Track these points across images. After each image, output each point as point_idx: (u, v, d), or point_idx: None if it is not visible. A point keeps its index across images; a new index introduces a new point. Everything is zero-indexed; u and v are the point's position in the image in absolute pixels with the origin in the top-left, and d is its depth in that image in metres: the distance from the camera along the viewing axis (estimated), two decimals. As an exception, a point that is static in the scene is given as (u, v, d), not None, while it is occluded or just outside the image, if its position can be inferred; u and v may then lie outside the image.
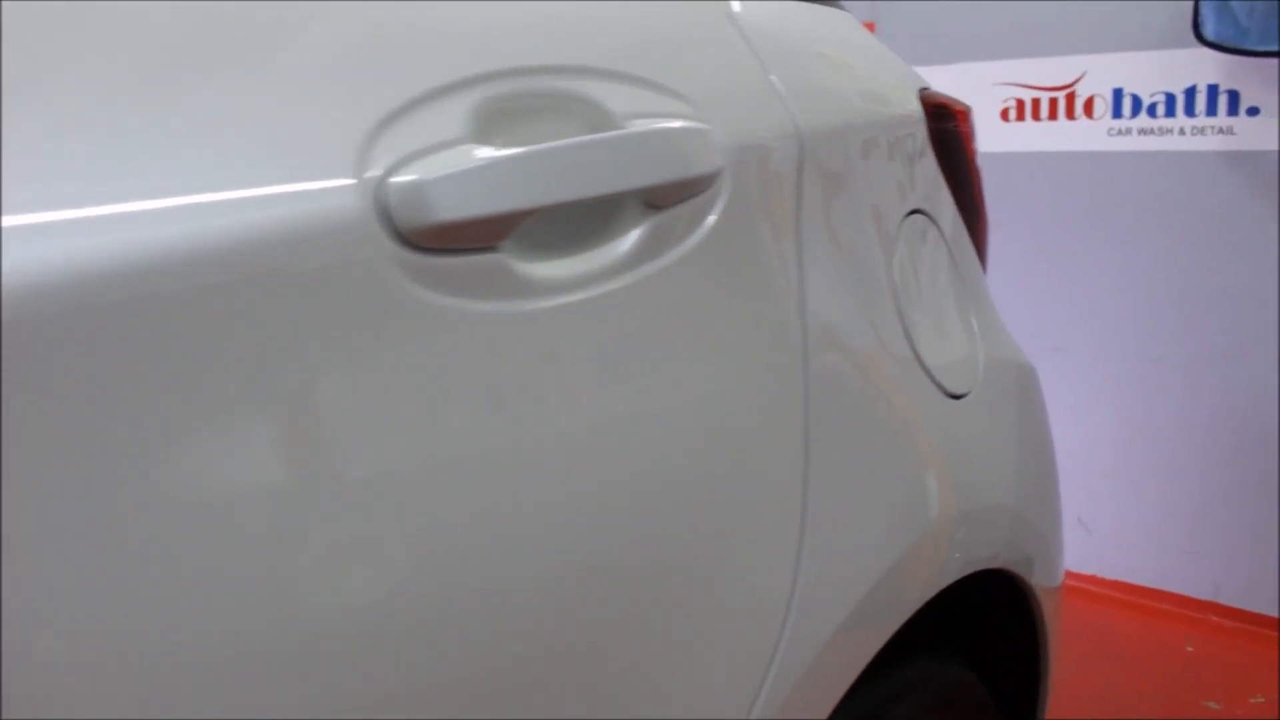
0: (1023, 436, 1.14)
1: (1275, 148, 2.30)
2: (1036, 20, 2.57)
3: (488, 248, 0.58)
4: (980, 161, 1.17)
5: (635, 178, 0.65)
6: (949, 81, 2.44)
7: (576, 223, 0.65)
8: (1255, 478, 2.50)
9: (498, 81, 0.61)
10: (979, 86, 2.65)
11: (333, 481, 0.52)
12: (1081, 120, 2.54)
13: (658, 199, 0.67)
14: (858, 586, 0.90)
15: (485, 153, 0.57)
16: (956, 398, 1.00)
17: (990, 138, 2.63)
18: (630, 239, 0.66)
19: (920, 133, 1.00)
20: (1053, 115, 2.59)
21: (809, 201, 0.83)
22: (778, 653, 0.81)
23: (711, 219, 0.72)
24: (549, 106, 0.64)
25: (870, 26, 2.77)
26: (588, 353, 0.63)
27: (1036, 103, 2.61)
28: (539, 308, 0.60)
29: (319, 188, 0.52)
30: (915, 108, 1.00)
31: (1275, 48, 2.15)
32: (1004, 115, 2.65)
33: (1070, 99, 2.55)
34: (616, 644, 0.68)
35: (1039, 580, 1.17)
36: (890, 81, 1.01)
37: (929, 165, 1.00)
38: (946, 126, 1.03)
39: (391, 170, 0.54)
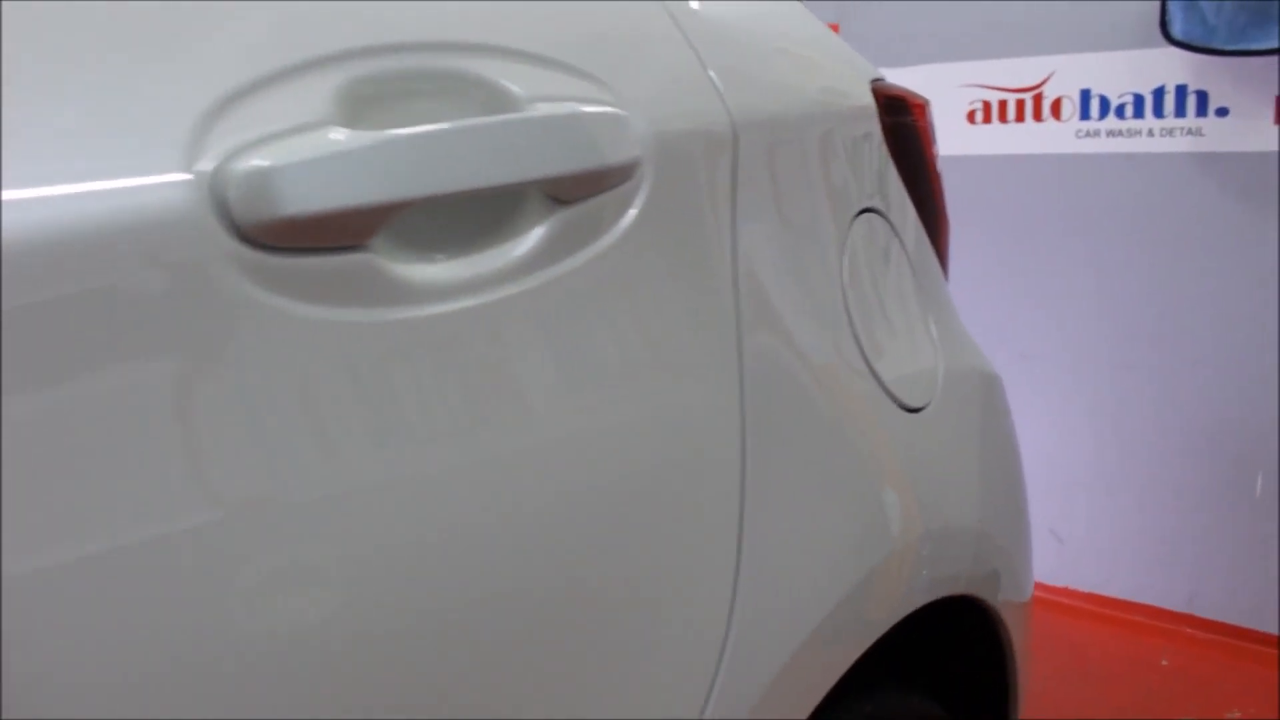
0: (987, 450, 1.07)
1: (1245, 149, 2.26)
2: (1003, 21, 2.52)
3: (352, 246, 0.50)
4: (946, 164, 1.11)
5: (535, 167, 0.57)
6: (915, 83, 2.38)
7: (467, 220, 0.58)
8: (1231, 486, 2.46)
9: (372, 58, 0.54)
10: (945, 88, 2.60)
11: (162, 508, 0.44)
12: (1049, 122, 2.49)
13: (564, 192, 0.60)
14: (807, 615, 0.84)
15: (347, 137, 0.50)
16: (914, 410, 0.93)
17: (957, 140, 2.58)
18: (532, 238, 0.59)
19: (872, 126, 0.93)
20: (1020, 117, 2.54)
21: (745, 198, 0.76)
22: (715, 687, 0.75)
23: (631, 215, 0.65)
24: (437, 88, 0.57)
25: (834, 28, 2.71)
26: (480, 368, 0.56)
27: (1003, 104, 2.56)
28: (419, 316, 0.53)
29: (141, 181, 0.44)
30: (866, 100, 0.94)
31: (1243, 46, 2.11)
32: (970, 117, 2.60)
33: (1038, 100, 2.50)
34: (524, 688, 0.61)
35: (1006, 596, 1.12)
36: (839, 72, 0.94)
37: (882, 161, 0.93)
38: (902, 120, 0.96)
39: (232, 157, 0.47)
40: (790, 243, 0.82)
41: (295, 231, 0.47)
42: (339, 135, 0.49)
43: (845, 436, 0.87)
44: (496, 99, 0.58)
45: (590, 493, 0.63)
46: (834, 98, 0.91)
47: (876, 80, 0.97)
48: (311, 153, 0.48)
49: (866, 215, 0.91)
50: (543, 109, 0.59)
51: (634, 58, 0.71)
